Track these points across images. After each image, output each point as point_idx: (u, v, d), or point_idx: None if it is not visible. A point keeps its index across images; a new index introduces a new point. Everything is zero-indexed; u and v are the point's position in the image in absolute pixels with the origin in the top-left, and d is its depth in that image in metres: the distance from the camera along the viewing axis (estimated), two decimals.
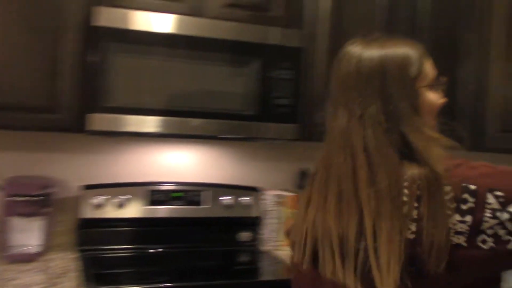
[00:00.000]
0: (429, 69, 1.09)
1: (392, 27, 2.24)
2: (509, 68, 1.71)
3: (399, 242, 0.94)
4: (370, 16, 2.23)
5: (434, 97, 1.09)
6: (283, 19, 2.10)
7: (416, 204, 0.95)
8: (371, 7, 2.23)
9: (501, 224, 0.91)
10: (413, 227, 0.94)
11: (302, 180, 2.44)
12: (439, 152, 0.99)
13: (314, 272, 1.07)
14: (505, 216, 0.91)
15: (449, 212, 0.93)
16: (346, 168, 1.02)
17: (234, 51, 2.00)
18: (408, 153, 0.99)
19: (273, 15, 2.09)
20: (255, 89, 2.02)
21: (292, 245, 1.13)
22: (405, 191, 0.96)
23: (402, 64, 1.05)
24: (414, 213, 0.94)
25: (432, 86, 1.09)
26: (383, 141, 1.00)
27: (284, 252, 2.24)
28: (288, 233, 1.22)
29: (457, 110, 1.89)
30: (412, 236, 0.94)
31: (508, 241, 0.91)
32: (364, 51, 1.08)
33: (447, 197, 0.94)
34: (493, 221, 0.92)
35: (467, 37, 1.93)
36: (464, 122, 1.86)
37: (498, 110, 1.75)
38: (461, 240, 0.93)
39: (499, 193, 0.92)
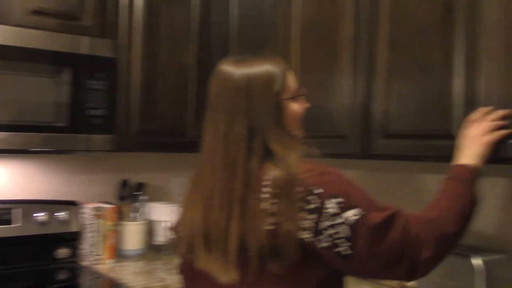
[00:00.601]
0: (291, 82, 1.23)
1: (206, 40, 2.34)
2: (305, 79, 1.90)
3: (256, 236, 1.06)
4: (185, 27, 2.30)
5: (297, 107, 1.24)
6: (95, 29, 2.07)
7: (275, 200, 1.07)
8: (186, 19, 2.30)
9: (335, 227, 1.05)
10: (273, 220, 1.06)
11: (123, 190, 2.41)
12: (295, 158, 1.11)
13: (193, 263, 1.19)
14: (340, 220, 1.04)
15: (299, 208, 1.05)
16: (210, 181, 1.15)
17: (44, 61, 1.91)
18: (270, 159, 1.12)
19: (84, 24, 2.05)
20: (67, 100, 1.95)
21: (178, 240, 1.24)
22: (267, 189, 1.08)
23: (267, 82, 1.17)
24: (273, 208, 1.06)
25: (294, 98, 1.22)
26: (241, 156, 1.12)
27: (105, 266, 2.20)
28: (174, 229, 1.31)
29: None
30: (271, 227, 1.06)
31: (337, 245, 1.05)
32: (233, 71, 1.18)
33: (298, 196, 1.06)
34: (328, 223, 1.05)
35: (272, 52, 2.08)
36: None
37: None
38: (304, 235, 1.05)
39: (339, 200, 1.05)
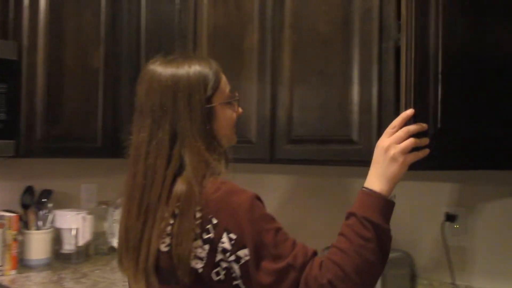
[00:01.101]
0: (224, 85, 1.15)
1: (115, 44, 2.30)
2: None
3: (153, 252, 1.04)
4: (93, 31, 2.25)
5: (231, 112, 1.16)
6: None
7: (171, 221, 1.03)
8: (94, 22, 2.24)
9: (229, 263, 1.01)
10: (168, 241, 1.02)
11: (27, 198, 2.31)
12: (203, 174, 1.04)
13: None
14: (232, 258, 1.00)
15: (194, 234, 1.00)
16: (131, 187, 1.10)
17: None
18: (181, 172, 1.06)
19: None
20: None
21: None
22: (169, 208, 1.03)
23: (196, 84, 1.09)
24: (169, 229, 1.03)
25: (228, 102, 1.15)
26: (161, 164, 1.06)
27: (7, 277, 2.10)
28: None
29: None
30: (166, 249, 1.03)
31: (235, 279, 1.02)
32: (161, 71, 1.10)
33: (196, 221, 1.01)
34: (221, 257, 1.00)
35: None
36: None
37: None
38: (198, 265, 1.01)
39: (232, 236, 0.99)
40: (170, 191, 1.05)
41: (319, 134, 1.60)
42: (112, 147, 2.23)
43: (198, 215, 1.01)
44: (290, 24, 1.68)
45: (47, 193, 2.33)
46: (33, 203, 2.31)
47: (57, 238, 2.34)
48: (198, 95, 1.09)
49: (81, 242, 2.32)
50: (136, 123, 1.13)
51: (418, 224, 1.76)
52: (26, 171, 2.36)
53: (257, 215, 1.02)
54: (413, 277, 1.74)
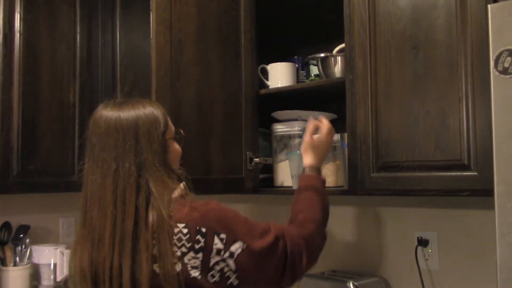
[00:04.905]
0: (171, 124, 1.30)
1: (92, 77, 2.31)
2: None
3: (143, 275, 1.11)
4: (69, 65, 2.25)
5: (177, 146, 1.32)
6: None
7: (154, 242, 1.12)
8: (70, 57, 2.25)
9: (224, 261, 1.14)
10: (155, 261, 1.12)
11: (3, 234, 2.28)
12: (169, 198, 1.17)
13: None
14: (226, 254, 1.14)
15: (176, 250, 1.12)
16: (99, 220, 1.17)
17: None
18: (150, 198, 1.16)
19: None
20: None
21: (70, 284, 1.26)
22: (149, 232, 1.13)
23: (152, 123, 1.24)
24: (155, 250, 1.12)
25: (175, 138, 1.32)
26: (131, 193, 1.16)
27: None
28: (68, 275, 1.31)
29: None
30: (155, 268, 1.12)
31: (229, 278, 1.14)
32: (118, 113, 1.23)
33: (176, 237, 1.12)
34: (218, 258, 1.13)
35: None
36: None
37: None
38: (196, 273, 1.12)
39: (222, 236, 1.14)
40: (147, 218, 1.14)
41: None
42: None
43: (184, 231, 1.13)
44: None
45: (24, 229, 2.32)
46: (10, 239, 2.29)
47: (35, 274, 2.32)
48: (156, 131, 1.24)
49: (59, 277, 2.30)
50: (96, 160, 1.22)
51: (392, 249, 1.78)
52: (2, 207, 2.34)
53: (231, 211, 1.20)
54: None
